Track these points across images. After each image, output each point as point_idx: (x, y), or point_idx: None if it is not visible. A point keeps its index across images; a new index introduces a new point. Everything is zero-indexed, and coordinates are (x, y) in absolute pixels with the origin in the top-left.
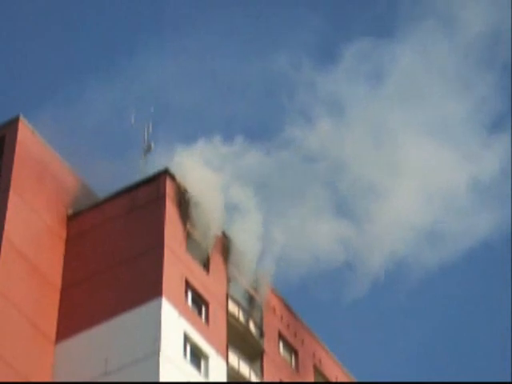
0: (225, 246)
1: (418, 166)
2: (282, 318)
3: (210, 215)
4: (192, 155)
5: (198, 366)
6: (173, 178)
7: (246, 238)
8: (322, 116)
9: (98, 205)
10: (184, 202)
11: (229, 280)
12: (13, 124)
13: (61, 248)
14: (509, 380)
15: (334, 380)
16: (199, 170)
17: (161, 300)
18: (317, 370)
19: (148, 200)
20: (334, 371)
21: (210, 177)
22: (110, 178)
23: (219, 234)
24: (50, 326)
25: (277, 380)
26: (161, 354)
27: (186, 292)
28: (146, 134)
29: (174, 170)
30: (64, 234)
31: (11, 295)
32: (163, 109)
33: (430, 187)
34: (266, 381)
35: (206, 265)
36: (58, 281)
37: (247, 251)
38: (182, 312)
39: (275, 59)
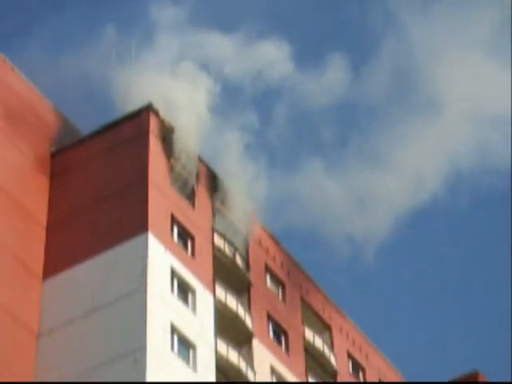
0: (210, 180)
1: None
2: (268, 250)
3: (194, 149)
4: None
5: (186, 300)
6: (156, 113)
7: (233, 172)
8: None
9: (82, 141)
10: (168, 137)
11: (214, 214)
12: None
13: (45, 185)
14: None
15: (320, 311)
16: (183, 103)
17: (147, 235)
18: (304, 302)
19: (131, 136)
20: (320, 302)
21: (194, 108)
22: (92, 115)
23: (203, 168)
24: (37, 263)
25: (264, 312)
26: (148, 288)
27: (172, 227)
28: (128, 68)
29: (157, 104)
30: (48, 172)
31: None
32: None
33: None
34: (255, 315)
35: (191, 199)
36: (43, 218)
37: (234, 185)
38: (168, 247)
39: None
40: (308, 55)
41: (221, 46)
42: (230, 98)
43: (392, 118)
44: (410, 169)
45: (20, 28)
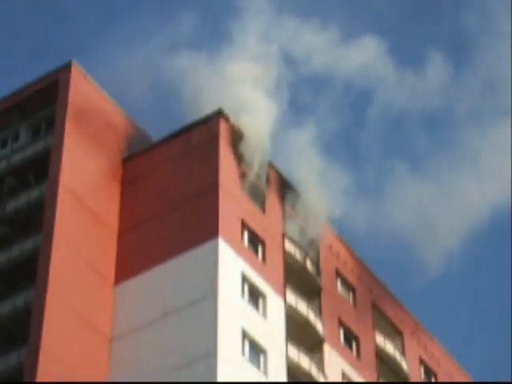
0: (281, 185)
1: None
2: (338, 255)
3: (265, 154)
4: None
5: (256, 306)
6: (226, 118)
7: (305, 178)
8: None
9: (153, 147)
10: (238, 142)
11: (285, 219)
12: (66, 69)
13: (117, 192)
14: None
15: (391, 316)
16: (253, 109)
17: (217, 241)
18: (375, 307)
19: (202, 141)
20: (391, 307)
21: (264, 115)
22: (163, 121)
23: (274, 173)
24: (109, 268)
25: (335, 317)
26: (218, 294)
27: (242, 232)
28: (198, 75)
29: (227, 110)
30: (119, 178)
31: (70, 239)
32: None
33: None
34: (325, 321)
35: (261, 204)
36: (115, 224)
37: (306, 191)
38: (239, 252)
39: None
40: (406, 53)
41: (313, 40)
42: (313, 96)
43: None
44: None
45: (91, 34)
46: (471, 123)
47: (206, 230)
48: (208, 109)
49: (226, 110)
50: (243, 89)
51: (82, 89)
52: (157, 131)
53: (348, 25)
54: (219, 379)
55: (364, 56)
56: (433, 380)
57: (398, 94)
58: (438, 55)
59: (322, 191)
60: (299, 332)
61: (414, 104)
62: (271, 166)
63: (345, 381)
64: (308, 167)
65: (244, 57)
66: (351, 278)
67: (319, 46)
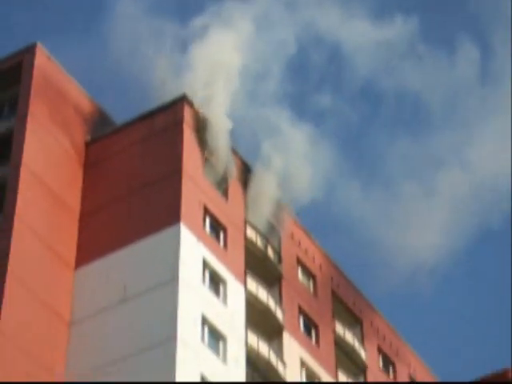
0: (244, 172)
1: None
2: (300, 243)
3: (227, 141)
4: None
5: (217, 291)
6: (190, 104)
7: (267, 166)
8: None
9: (116, 131)
10: (202, 128)
11: (247, 206)
12: (30, 50)
13: (79, 175)
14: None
15: (351, 305)
16: (217, 95)
17: (179, 226)
18: (335, 296)
19: (166, 126)
20: (351, 296)
21: (229, 101)
22: (127, 105)
23: (237, 160)
24: (70, 252)
25: (295, 305)
26: (179, 279)
27: (205, 218)
28: (164, 59)
29: (192, 95)
30: (83, 161)
31: (31, 221)
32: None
33: None
34: (285, 308)
35: (224, 191)
36: (77, 207)
37: (268, 179)
38: (201, 238)
39: None
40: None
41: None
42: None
43: None
44: None
45: (58, 18)
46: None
47: (168, 215)
48: (173, 94)
49: (191, 96)
50: (209, 74)
51: (46, 71)
52: (121, 115)
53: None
54: (178, 365)
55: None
56: (390, 369)
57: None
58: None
59: (285, 179)
60: (259, 319)
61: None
62: (235, 152)
63: (305, 368)
64: (272, 154)
65: (211, 42)
66: (312, 266)
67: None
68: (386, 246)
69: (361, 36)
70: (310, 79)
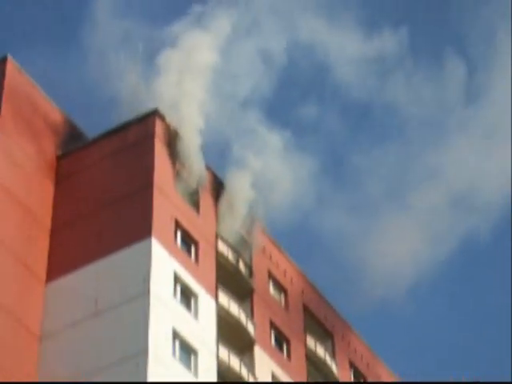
0: (215, 186)
1: None
2: (271, 257)
3: (199, 156)
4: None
5: (188, 306)
6: (162, 118)
7: (239, 180)
8: None
9: (88, 145)
10: (173, 142)
11: (219, 220)
12: (1, 63)
13: (50, 188)
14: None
15: (322, 319)
16: (188, 110)
17: (150, 240)
18: (306, 309)
19: (137, 140)
20: (322, 310)
21: (199, 116)
22: (99, 119)
23: (209, 175)
24: (41, 265)
25: (266, 319)
26: (151, 293)
27: (176, 232)
28: (135, 73)
29: (163, 110)
30: (54, 175)
31: (1, 235)
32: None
33: None
34: (257, 322)
35: (196, 205)
36: (48, 221)
37: (239, 193)
38: (172, 252)
39: None
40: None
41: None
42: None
43: None
44: None
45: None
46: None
47: (140, 229)
48: (144, 107)
49: (162, 109)
50: (180, 85)
51: (17, 83)
52: (92, 129)
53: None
54: (149, 379)
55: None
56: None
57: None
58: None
59: (256, 192)
60: (230, 333)
61: None
62: (206, 166)
63: (276, 381)
64: (242, 166)
65: (183, 51)
66: (283, 280)
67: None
68: (362, 260)
69: (348, 47)
70: (293, 90)
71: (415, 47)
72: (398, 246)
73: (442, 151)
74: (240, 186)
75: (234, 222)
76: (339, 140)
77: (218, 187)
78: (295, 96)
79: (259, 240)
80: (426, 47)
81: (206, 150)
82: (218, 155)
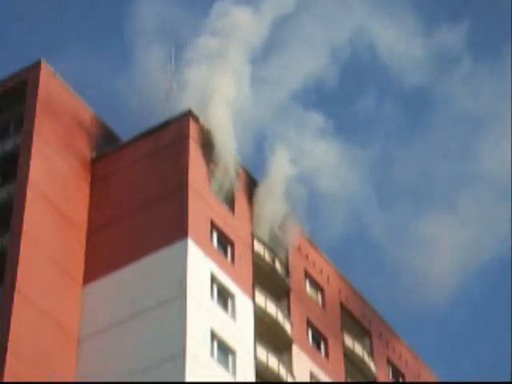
0: (250, 186)
1: None
2: (307, 256)
3: (233, 156)
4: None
5: (225, 306)
6: (196, 119)
7: (272, 178)
8: None
9: (122, 147)
10: (207, 143)
11: (254, 220)
12: (35, 68)
13: (86, 191)
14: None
15: (360, 317)
16: (223, 110)
17: (186, 241)
18: (343, 308)
19: (171, 142)
20: (359, 308)
21: (236, 115)
22: (133, 121)
23: (243, 174)
24: (78, 268)
25: (303, 318)
26: (188, 294)
27: (212, 233)
28: (168, 74)
29: (196, 110)
30: (88, 178)
31: (38, 239)
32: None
33: None
34: (294, 321)
35: (231, 205)
36: (83, 224)
37: (273, 191)
38: (208, 252)
39: None
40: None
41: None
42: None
43: None
44: None
45: (62, 35)
46: None
47: (175, 230)
48: (177, 109)
49: (196, 111)
50: (215, 88)
51: (51, 88)
52: (126, 131)
53: None
54: (188, 379)
55: None
56: (400, 381)
57: None
58: None
59: (290, 193)
60: (268, 333)
61: None
62: (241, 166)
63: (313, 381)
64: (277, 167)
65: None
66: (320, 279)
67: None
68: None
69: (408, 42)
70: (352, 82)
71: (475, 42)
72: (443, 247)
73: (497, 148)
74: (272, 185)
75: (269, 222)
76: (393, 137)
77: (252, 187)
78: (353, 88)
79: (295, 239)
80: (485, 42)
81: (240, 149)
82: (255, 152)
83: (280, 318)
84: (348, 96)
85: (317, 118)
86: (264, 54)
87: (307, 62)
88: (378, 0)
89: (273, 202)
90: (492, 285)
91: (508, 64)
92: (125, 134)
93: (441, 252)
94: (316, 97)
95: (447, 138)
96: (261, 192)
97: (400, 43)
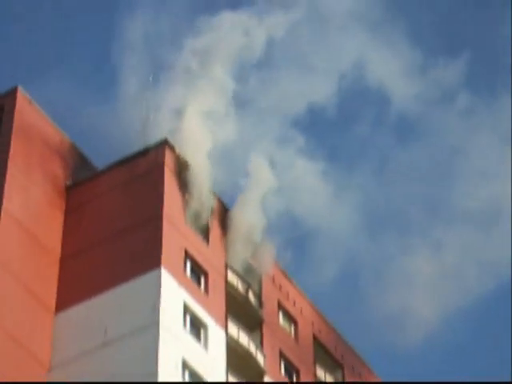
0: (224, 215)
1: None
2: (281, 287)
3: (208, 185)
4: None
5: (198, 336)
6: (172, 148)
7: (247, 210)
8: None
9: (97, 175)
10: (183, 173)
11: (228, 250)
12: (11, 94)
13: (60, 219)
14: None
15: (332, 349)
16: (197, 139)
17: (160, 270)
18: (316, 340)
19: (147, 170)
20: (332, 341)
21: (208, 145)
22: (109, 149)
23: (218, 204)
24: (50, 295)
25: (276, 349)
26: (160, 323)
27: (185, 262)
28: (145, 101)
29: (172, 139)
30: (63, 205)
31: (11, 265)
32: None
33: None
34: (266, 353)
35: (205, 235)
36: (57, 251)
37: (247, 222)
38: (182, 282)
39: None
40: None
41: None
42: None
43: None
44: None
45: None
46: None
47: (149, 259)
48: (153, 138)
49: (172, 140)
50: (189, 117)
51: (27, 115)
52: (102, 159)
53: None
54: None
55: None
56: None
57: None
58: None
59: (265, 224)
60: (240, 363)
61: None
62: (215, 196)
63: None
64: (251, 197)
65: (191, 83)
66: (293, 311)
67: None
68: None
69: (403, 72)
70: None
71: (473, 76)
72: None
73: (493, 183)
74: (247, 214)
75: (243, 252)
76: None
77: (226, 216)
78: (345, 117)
79: (269, 270)
80: (483, 77)
81: (215, 178)
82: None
83: (252, 348)
84: (341, 124)
85: (298, 141)
86: (245, 78)
87: (296, 86)
88: (375, 29)
89: (246, 230)
90: (473, 326)
91: (506, 100)
92: (101, 161)
93: (420, 288)
94: (303, 123)
95: (432, 170)
96: (234, 220)
97: (396, 73)
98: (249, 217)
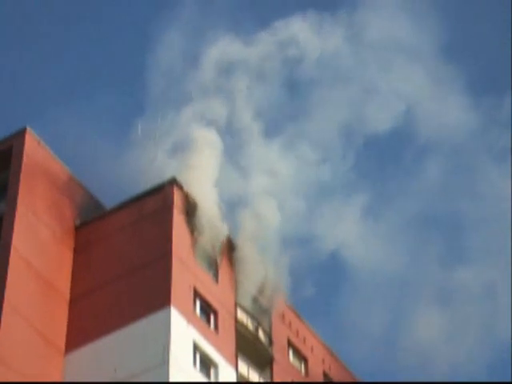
0: (233, 254)
1: None
2: (290, 325)
3: (217, 224)
4: (200, 163)
5: (208, 375)
6: (180, 187)
7: (254, 246)
8: None
9: (106, 215)
10: (191, 211)
11: (237, 288)
12: (20, 135)
13: (69, 258)
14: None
15: None
16: (205, 178)
17: (169, 309)
18: (326, 377)
19: (155, 210)
20: (343, 378)
21: (215, 185)
22: (118, 189)
23: (227, 241)
24: (59, 336)
25: None
26: (170, 363)
27: (195, 301)
28: (153, 141)
29: (180, 178)
30: (72, 245)
31: (20, 306)
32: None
33: None
34: None
35: (214, 273)
36: (66, 291)
37: (255, 260)
38: (191, 321)
39: None
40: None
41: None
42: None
43: None
44: None
45: (47, 101)
46: None
47: (158, 298)
48: (161, 177)
49: (180, 178)
50: (197, 155)
51: (36, 155)
52: (111, 199)
53: None
54: None
55: None
56: None
57: None
58: None
59: (273, 262)
60: None
61: None
62: (225, 234)
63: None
64: (259, 237)
65: (201, 121)
66: (303, 348)
67: None
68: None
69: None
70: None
71: None
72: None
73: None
74: (255, 254)
75: (252, 290)
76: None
77: (234, 255)
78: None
79: (278, 307)
80: None
81: (224, 216)
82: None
83: None
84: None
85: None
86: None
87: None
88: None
89: (254, 267)
90: None
91: None
92: (109, 201)
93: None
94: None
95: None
96: (241, 258)
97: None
98: (256, 256)
